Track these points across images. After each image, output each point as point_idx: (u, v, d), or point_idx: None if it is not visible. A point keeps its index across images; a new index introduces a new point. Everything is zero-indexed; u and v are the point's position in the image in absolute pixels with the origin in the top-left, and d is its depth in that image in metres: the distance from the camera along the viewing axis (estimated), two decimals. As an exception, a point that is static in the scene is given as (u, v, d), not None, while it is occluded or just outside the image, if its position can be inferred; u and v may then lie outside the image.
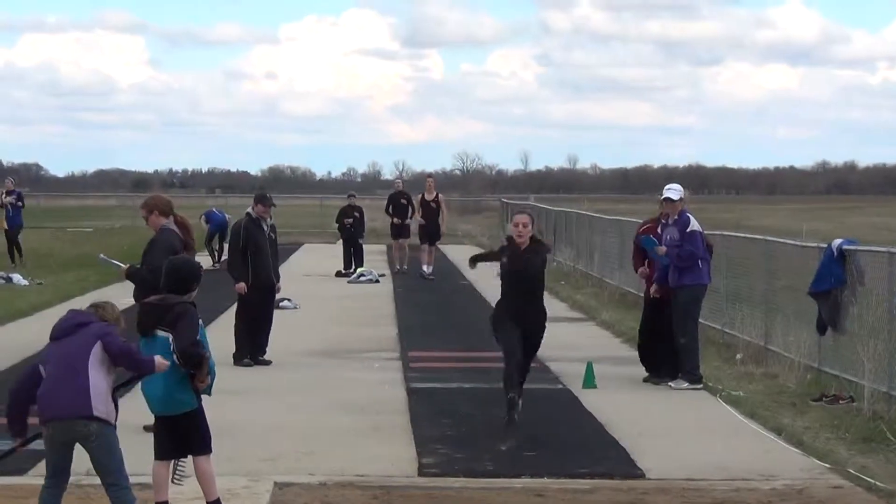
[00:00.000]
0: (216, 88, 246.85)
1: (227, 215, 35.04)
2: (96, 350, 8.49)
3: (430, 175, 33.65)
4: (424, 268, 31.64)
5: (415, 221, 32.76)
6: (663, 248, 15.93)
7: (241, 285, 17.18)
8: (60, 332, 8.65)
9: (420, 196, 32.55)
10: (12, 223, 33.72)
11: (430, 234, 31.70)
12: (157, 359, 8.74)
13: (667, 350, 15.91)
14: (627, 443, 12.37)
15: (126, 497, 8.55)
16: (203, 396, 9.22)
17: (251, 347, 17.28)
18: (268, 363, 17.14)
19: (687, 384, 15.58)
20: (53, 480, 8.65)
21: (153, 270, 11.77)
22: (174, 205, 13.33)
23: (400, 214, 32.66)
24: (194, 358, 8.90)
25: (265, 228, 17.47)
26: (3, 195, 33.70)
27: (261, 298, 17.33)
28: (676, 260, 15.84)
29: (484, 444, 12.38)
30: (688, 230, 15.87)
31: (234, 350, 17.18)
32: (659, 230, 16.35)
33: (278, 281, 17.72)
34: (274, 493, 10.25)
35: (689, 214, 16.05)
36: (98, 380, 8.48)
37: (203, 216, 35.73)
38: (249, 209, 17.67)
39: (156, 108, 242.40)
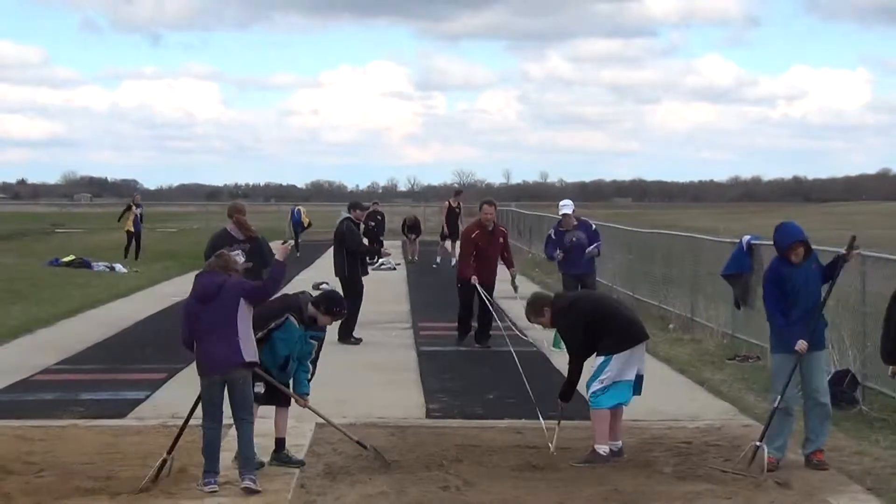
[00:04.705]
0: (272, 122, 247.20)
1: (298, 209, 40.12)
2: (241, 305, 8.10)
3: (460, 192, 35.14)
4: (438, 259, 32.29)
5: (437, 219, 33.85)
6: (595, 250, 16.17)
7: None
8: (206, 297, 8.14)
9: (447, 203, 33.53)
10: (137, 227, 33.57)
11: (456, 232, 31.87)
12: (278, 253, 8.40)
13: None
14: (586, 393, 12.29)
15: (251, 430, 8.24)
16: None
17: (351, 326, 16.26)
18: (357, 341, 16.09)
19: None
20: (216, 416, 8.20)
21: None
22: (237, 209, 12.85)
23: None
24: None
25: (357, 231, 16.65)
26: (134, 207, 33.50)
27: (354, 287, 16.22)
28: (598, 252, 16.22)
29: (476, 393, 12.37)
30: (593, 229, 16.21)
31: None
32: (553, 235, 16.21)
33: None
34: (315, 431, 10.24)
35: (585, 218, 16.45)
36: (245, 329, 8.13)
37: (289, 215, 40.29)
38: (349, 214, 16.49)
39: (226, 137, 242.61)
